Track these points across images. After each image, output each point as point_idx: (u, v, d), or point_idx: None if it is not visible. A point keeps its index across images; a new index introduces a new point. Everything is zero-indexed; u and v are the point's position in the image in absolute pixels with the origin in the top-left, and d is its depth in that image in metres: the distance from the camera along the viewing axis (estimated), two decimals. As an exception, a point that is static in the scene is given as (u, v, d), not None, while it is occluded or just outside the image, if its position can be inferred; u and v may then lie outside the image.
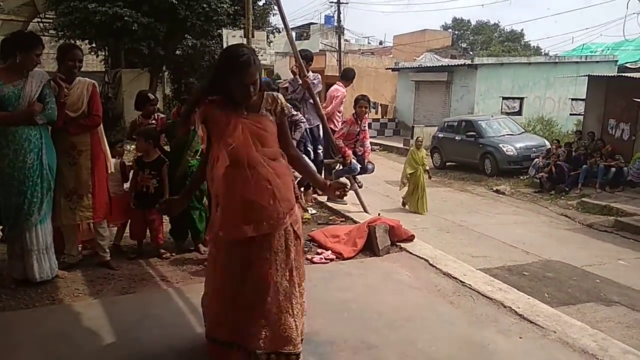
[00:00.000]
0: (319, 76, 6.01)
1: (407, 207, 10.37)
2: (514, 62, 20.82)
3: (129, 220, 4.48)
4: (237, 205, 2.39)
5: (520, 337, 3.09)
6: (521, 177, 13.56)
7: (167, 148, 4.61)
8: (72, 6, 11.82)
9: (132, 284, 3.78)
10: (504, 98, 19.86)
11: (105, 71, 17.63)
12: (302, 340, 2.57)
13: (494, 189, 12.94)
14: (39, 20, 15.66)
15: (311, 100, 5.84)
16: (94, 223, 3.98)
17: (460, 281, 3.96)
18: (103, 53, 16.38)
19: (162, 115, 4.75)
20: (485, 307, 3.52)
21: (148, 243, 4.48)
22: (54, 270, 3.70)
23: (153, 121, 4.56)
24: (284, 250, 2.46)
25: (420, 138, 11.29)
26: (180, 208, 2.91)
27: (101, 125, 3.94)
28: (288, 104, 2.60)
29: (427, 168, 10.82)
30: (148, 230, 4.44)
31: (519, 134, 15.23)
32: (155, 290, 3.67)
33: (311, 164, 2.78)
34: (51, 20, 14.77)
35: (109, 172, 4.03)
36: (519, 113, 19.68)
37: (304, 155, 2.78)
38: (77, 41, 13.83)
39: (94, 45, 14.60)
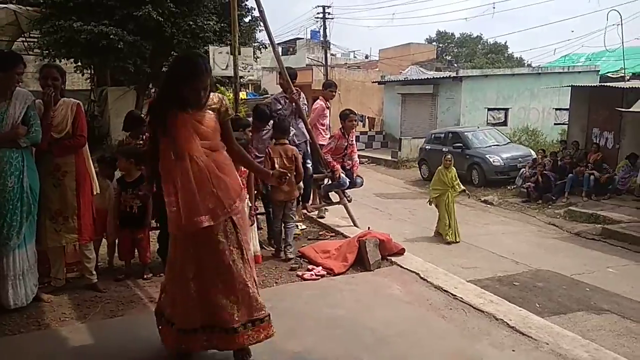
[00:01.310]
0: (302, 93, 6.02)
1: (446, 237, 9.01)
2: (498, 73, 21.11)
3: (117, 241, 4.44)
4: (191, 197, 2.60)
5: (513, 350, 3.09)
6: (508, 187, 13.66)
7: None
8: (57, 25, 11.72)
9: (119, 307, 3.72)
10: (489, 109, 20.10)
11: (91, 89, 17.49)
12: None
13: (482, 199, 13.01)
14: (24, 39, 15.57)
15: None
16: (80, 245, 3.91)
17: (452, 294, 3.95)
18: (89, 71, 16.26)
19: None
20: (477, 320, 3.51)
21: (136, 263, 4.43)
22: (29, 297, 3.58)
23: (140, 141, 4.52)
24: (234, 232, 2.72)
25: (449, 157, 9.55)
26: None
27: (86, 146, 3.90)
28: (230, 106, 2.88)
29: (464, 188, 9.61)
30: (136, 250, 4.39)
31: (505, 145, 15.38)
32: (143, 312, 3.61)
33: (249, 156, 3.13)
34: (36, 40, 14.66)
35: (95, 193, 3.96)
36: (505, 124, 19.91)
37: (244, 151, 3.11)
38: (62, 60, 13.74)
39: (79, 64, 14.50)
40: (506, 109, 20.31)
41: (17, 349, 3.06)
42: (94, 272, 4.04)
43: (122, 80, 14.77)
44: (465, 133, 15.60)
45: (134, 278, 4.30)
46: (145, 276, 4.30)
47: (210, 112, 2.72)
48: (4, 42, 14.64)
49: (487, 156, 14.28)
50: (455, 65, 37.17)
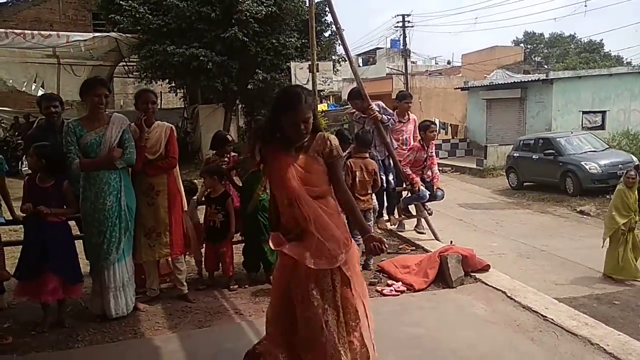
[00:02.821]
0: (381, 103, 5.99)
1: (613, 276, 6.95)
2: (593, 74, 19.71)
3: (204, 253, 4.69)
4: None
5: (611, 379, 2.86)
6: (607, 197, 12.60)
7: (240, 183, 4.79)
8: (153, 49, 12.73)
9: (207, 317, 3.91)
10: (584, 112, 18.82)
11: (184, 107, 18.70)
12: None
13: (578, 209, 12.15)
14: (124, 64, 16.98)
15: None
16: (172, 258, 4.17)
17: (542, 315, 3.74)
18: (181, 91, 17.38)
19: (234, 154, 4.95)
20: (570, 345, 3.30)
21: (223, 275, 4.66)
22: (129, 307, 3.88)
23: (225, 159, 4.77)
24: (331, 290, 2.48)
25: (632, 173, 7.16)
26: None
27: (177, 166, 4.17)
28: (339, 146, 2.63)
29: None
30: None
31: (602, 150, 14.28)
32: (229, 324, 3.77)
33: (354, 203, 2.71)
34: (135, 64, 15.94)
35: (184, 210, 4.22)
36: (602, 127, 18.54)
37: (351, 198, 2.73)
38: (158, 81, 14.82)
39: (173, 84, 15.55)
40: (603, 112, 18.88)
41: (117, 356, 3.32)
42: (185, 284, 4.29)
43: (211, 98, 15.65)
44: (558, 139, 14.67)
45: (221, 289, 4.51)
46: (231, 287, 4.51)
47: (315, 154, 2.53)
48: (107, 67, 16.10)
49: (582, 163, 13.33)
50: (546, 67, 35.22)
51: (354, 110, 6.16)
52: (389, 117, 5.84)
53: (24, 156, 11.44)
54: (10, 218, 4.23)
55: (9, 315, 3.99)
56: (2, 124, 16.58)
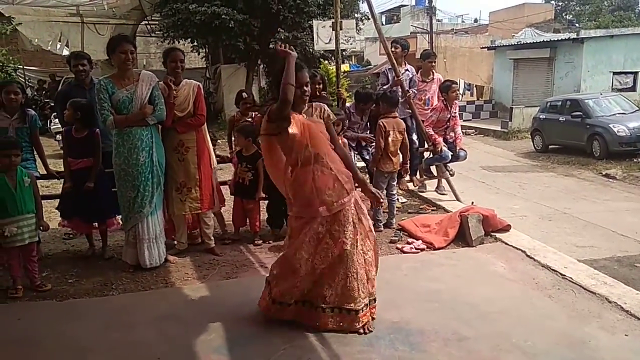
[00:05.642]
0: (413, 69, 5.94)
1: None
2: (626, 33, 18.93)
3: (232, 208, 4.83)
4: (310, 193, 2.83)
5: (626, 335, 2.93)
6: (635, 160, 12.40)
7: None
8: (175, 8, 12.66)
9: (234, 270, 4.08)
10: (614, 73, 18.19)
11: (206, 67, 18.64)
12: (374, 300, 3.02)
13: (604, 173, 11.95)
14: (147, 22, 16.93)
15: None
16: (200, 213, 4.31)
17: (561, 274, 3.80)
18: (204, 50, 17.30)
19: (258, 114, 5.00)
20: (588, 302, 3.36)
21: (248, 230, 4.81)
22: (162, 257, 4.08)
23: (249, 118, 4.83)
24: (351, 223, 2.87)
25: None
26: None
27: (205, 124, 4.26)
28: (331, 112, 3.14)
29: None
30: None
31: (632, 113, 13.86)
32: (255, 276, 3.92)
33: (351, 160, 3.28)
34: (157, 23, 15.89)
35: (213, 166, 4.33)
36: (633, 89, 17.94)
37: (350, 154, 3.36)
38: (180, 40, 14.80)
39: (195, 43, 15.49)
40: (635, 73, 18.23)
41: (149, 303, 3.50)
42: (212, 238, 4.45)
43: (233, 58, 15.56)
44: (586, 100, 14.28)
45: (246, 244, 4.67)
46: (255, 242, 4.66)
47: (318, 119, 2.99)
48: (130, 26, 16.09)
49: (610, 125, 13.00)
50: (577, 25, 33.86)
51: (376, 71, 6.16)
52: (414, 92, 5.86)
53: (52, 115, 11.70)
54: (45, 173, 4.41)
55: (47, 265, 4.22)
56: (30, 83, 16.86)
